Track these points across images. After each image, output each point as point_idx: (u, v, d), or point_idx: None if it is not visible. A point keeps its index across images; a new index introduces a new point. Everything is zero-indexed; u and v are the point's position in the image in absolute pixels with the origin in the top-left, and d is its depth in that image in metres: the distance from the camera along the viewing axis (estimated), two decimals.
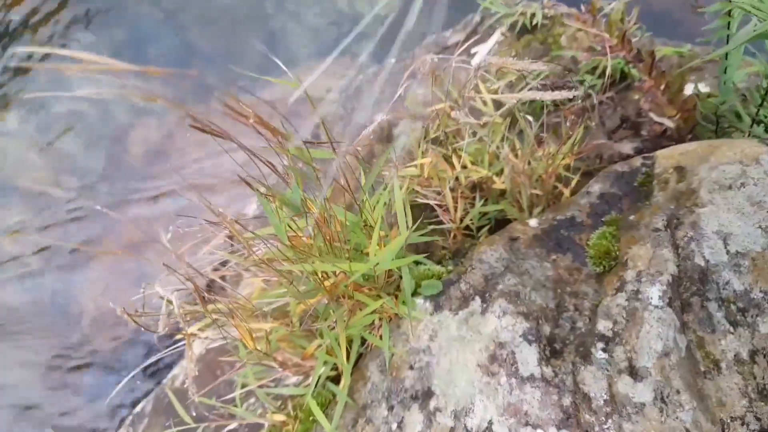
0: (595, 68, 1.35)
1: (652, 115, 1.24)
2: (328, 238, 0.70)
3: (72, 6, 2.73)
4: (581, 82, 1.36)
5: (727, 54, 1.05)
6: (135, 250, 1.91)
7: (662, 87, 1.22)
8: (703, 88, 1.24)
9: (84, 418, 1.58)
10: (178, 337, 0.92)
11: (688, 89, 1.25)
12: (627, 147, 1.26)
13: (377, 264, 0.74)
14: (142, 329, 0.71)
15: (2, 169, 2.51)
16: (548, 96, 0.78)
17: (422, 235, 1.00)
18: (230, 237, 0.92)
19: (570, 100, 1.41)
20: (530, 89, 1.41)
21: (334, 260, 0.74)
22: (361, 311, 0.85)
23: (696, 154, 0.98)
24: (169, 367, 1.50)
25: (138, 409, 1.44)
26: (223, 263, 1.04)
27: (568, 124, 1.32)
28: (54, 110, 2.71)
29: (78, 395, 1.64)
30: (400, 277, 0.93)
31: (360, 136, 0.97)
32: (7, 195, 2.43)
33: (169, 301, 0.73)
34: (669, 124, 1.21)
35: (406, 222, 0.79)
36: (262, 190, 0.74)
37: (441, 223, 1.24)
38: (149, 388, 1.50)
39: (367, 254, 0.82)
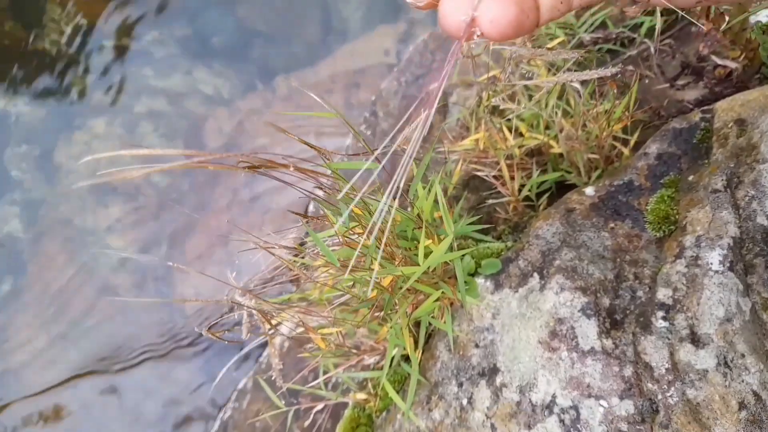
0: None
1: (714, 58, 1.18)
2: (379, 241, 0.75)
3: (132, 5, 2.86)
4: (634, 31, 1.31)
5: None
6: (221, 241, 2.06)
7: (722, 27, 1.16)
8: (766, 19, 1.16)
9: (196, 397, 1.76)
10: (260, 335, 1.01)
11: (752, 24, 1.18)
12: (691, 95, 1.21)
13: (429, 259, 0.78)
14: (226, 342, 0.79)
15: (98, 171, 2.73)
16: (595, 74, 0.77)
17: (478, 219, 1.03)
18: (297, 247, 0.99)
19: (625, 49, 1.36)
20: (577, 47, 1.37)
21: (388, 264, 0.79)
22: (424, 297, 0.90)
23: (758, 103, 0.94)
24: (263, 345, 1.63)
25: (240, 385, 1.59)
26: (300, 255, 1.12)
27: (624, 75, 1.28)
28: (136, 110, 2.89)
29: (186, 376, 1.83)
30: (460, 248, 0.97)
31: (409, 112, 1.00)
32: (105, 195, 2.64)
33: (249, 312, 0.81)
34: (733, 65, 1.15)
35: (452, 220, 0.83)
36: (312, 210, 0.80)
37: (500, 195, 1.26)
38: (248, 367, 1.64)
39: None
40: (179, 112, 2.77)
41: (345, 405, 1.11)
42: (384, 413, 0.98)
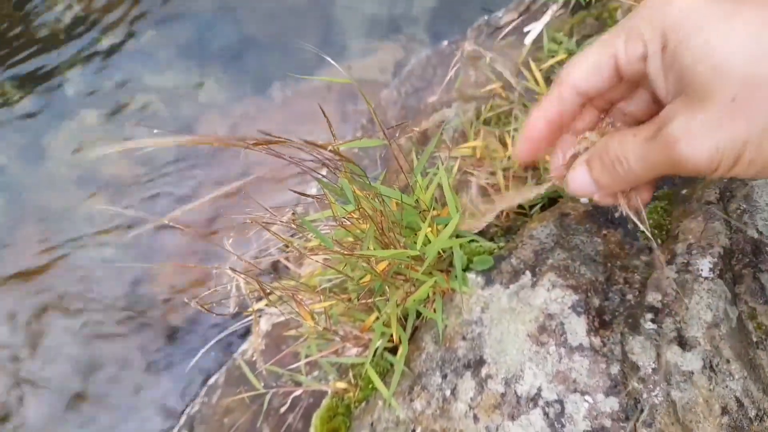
0: None
1: None
2: (378, 223, 0.75)
3: (130, 3, 2.88)
4: None
5: None
6: (203, 235, 2.04)
7: None
8: None
9: (162, 390, 1.71)
10: (246, 313, 1.00)
11: None
12: None
13: (427, 248, 0.78)
14: (214, 315, 0.78)
15: (84, 162, 2.70)
16: None
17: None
18: (293, 221, 0.98)
19: None
20: None
21: (383, 247, 0.79)
22: (415, 288, 0.90)
23: None
24: (241, 338, 1.59)
25: (212, 381, 1.55)
26: (287, 246, 1.11)
27: None
28: (128, 106, 2.87)
29: (155, 368, 1.78)
30: (453, 254, 0.98)
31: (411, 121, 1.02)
32: (92, 186, 2.61)
33: (238, 285, 0.80)
34: None
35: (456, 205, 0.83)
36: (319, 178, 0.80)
37: (494, 202, 1.27)
38: (221, 361, 1.61)
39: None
40: (172, 112, 2.76)
41: (322, 397, 1.09)
42: (363, 404, 0.97)
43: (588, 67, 0.48)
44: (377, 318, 0.90)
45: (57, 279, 2.28)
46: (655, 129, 0.44)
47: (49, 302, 2.19)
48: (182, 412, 1.53)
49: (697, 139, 0.41)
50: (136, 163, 2.60)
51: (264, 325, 1.15)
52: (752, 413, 0.76)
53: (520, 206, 1.21)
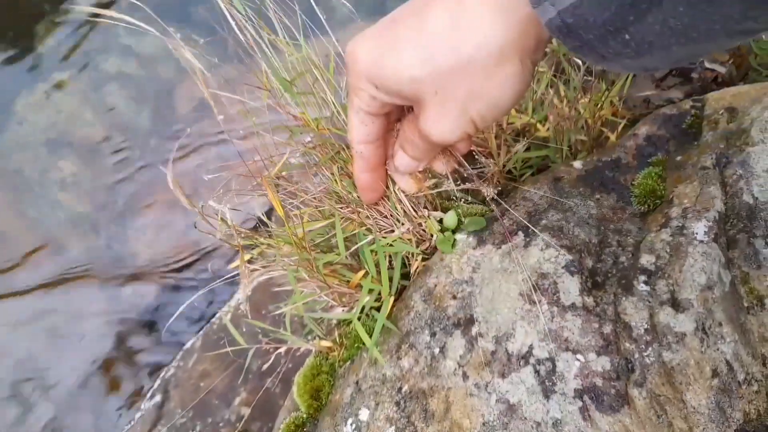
0: None
1: (707, 63, 1.21)
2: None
3: None
4: None
5: None
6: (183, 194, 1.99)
7: None
8: None
9: (139, 355, 1.67)
10: (233, 266, 0.97)
11: None
12: (676, 94, 1.24)
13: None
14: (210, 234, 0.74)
15: (56, 124, 2.61)
16: None
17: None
18: (278, 177, 0.95)
19: None
20: None
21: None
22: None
23: (749, 95, 0.97)
24: (221, 303, 1.56)
25: (188, 345, 1.51)
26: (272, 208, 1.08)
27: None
28: (104, 68, 2.79)
29: (135, 335, 1.74)
30: (445, 210, 0.96)
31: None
32: (61, 149, 2.53)
33: (224, 221, 0.77)
34: (721, 69, 1.18)
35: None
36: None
37: (484, 168, 1.26)
38: (199, 327, 1.57)
39: None
40: (150, 76, 2.68)
41: (302, 362, 1.07)
42: (348, 363, 0.94)
43: (357, 125, 0.65)
44: (366, 273, 0.88)
45: (28, 243, 2.21)
46: (416, 126, 0.61)
47: (18, 263, 2.12)
48: (157, 376, 1.50)
49: (439, 126, 0.58)
50: (111, 126, 2.52)
51: (249, 287, 1.12)
52: (741, 377, 0.75)
53: (510, 172, 1.19)
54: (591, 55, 0.46)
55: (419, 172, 0.76)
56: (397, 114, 0.71)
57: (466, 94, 0.54)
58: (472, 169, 1.23)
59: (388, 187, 0.82)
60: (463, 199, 1.00)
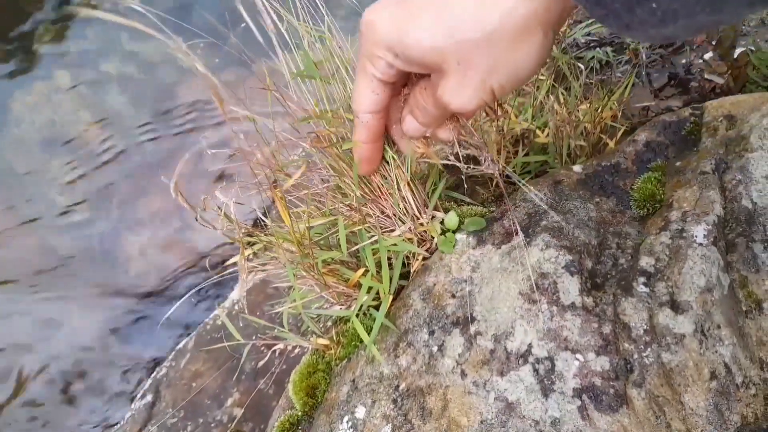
0: None
1: (706, 74, 1.23)
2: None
3: None
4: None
5: None
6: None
7: (713, 43, 1.21)
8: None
9: (130, 355, 1.66)
10: (230, 262, 0.96)
11: (740, 45, 1.23)
12: (674, 103, 1.25)
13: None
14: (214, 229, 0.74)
15: (55, 124, 2.60)
16: None
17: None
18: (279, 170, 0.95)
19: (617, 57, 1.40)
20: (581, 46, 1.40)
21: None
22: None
23: (747, 103, 0.98)
24: (212, 306, 1.55)
25: (180, 345, 1.50)
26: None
27: (618, 75, 1.32)
28: (104, 70, 2.78)
29: (128, 333, 1.72)
30: (446, 211, 0.96)
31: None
32: (59, 148, 2.52)
33: (227, 216, 0.76)
34: (719, 80, 1.19)
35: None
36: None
37: (483, 173, 1.26)
38: (192, 328, 1.56)
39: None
40: (150, 79, 2.68)
41: (296, 363, 1.06)
42: (345, 361, 0.94)
43: (367, 94, 0.65)
44: (366, 271, 0.88)
45: (22, 243, 2.19)
46: (433, 93, 0.62)
47: (13, 264, 2.10)
48: (149, 376, 1.48)
49: (458, 95, 0.58)
50: (106, 125, 2.52)
51: (247, 284, 1.11)
52: (739, 380, 0.76)
53: (508, 176, 1.19)
54: (616, 24, 0.46)
55: (425, 137, 0.76)
56: (404, 83, 0.71)
57: (488, 65, 0.54)
58: (471, 175, 1.23)
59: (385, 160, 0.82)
60: (465, 181, 1.00)
